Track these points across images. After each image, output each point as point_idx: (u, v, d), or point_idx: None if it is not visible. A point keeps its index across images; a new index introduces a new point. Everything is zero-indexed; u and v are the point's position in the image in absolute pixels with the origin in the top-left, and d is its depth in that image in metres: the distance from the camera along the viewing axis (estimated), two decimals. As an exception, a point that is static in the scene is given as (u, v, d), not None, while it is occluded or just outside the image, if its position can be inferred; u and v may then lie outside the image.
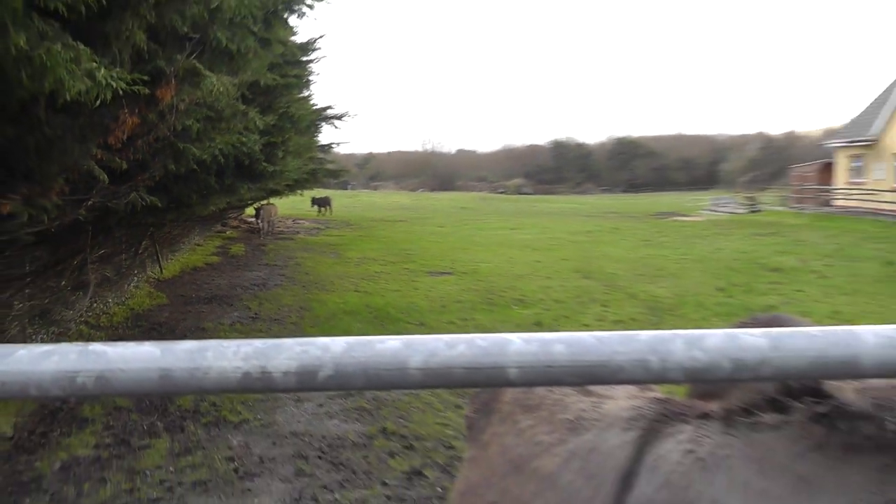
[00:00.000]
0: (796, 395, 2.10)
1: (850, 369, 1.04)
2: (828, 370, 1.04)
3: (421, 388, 1.46)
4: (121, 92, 4.09)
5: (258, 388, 1.04)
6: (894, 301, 16.33)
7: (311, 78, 18.20)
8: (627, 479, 2.34)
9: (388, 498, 7.24)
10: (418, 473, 7.84)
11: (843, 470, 1.91)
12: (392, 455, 8.39)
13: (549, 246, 30.42)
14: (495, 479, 2.94)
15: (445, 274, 21.17)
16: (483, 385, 1.07)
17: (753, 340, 1.03)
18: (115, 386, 1.04)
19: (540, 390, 3.20)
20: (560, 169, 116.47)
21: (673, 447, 2.27)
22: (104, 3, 3.83)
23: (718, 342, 1.02)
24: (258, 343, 1.07)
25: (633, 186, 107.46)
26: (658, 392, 2.80)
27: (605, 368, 1.01)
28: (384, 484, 7.55)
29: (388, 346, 1.06)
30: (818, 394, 2.05)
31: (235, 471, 7.63)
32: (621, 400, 2.89)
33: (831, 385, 2.06)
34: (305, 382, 1.04)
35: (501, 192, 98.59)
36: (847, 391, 2.05)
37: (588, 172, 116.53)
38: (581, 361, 1.03)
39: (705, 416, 2.32)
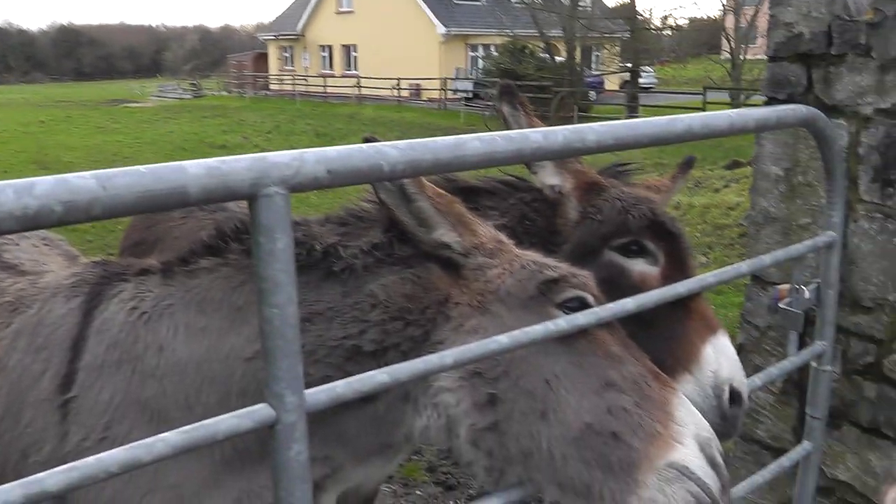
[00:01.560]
0: (230, 236, 2.13)
1: (180, 199, 1.06)
2: (157, 202, 1.04)
3: None
4: None
5: None
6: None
7: None
8: (76, 346, 2.20)
9: None
10: None
11: None
12: None
13: (3, 139, 27.24)
14: None
15: None
16: None
17: (83, 182, 1.00)
18: None
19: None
20: (4, 57, 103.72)
21: (117, 307, 2.17)
22: None
23: (48, 188, 0.97)
24: None
25: (82, 75, 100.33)
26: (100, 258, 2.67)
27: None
28: None
29: None
30: (247, 230, 2.09)
31: None
32: (60, 271, 2.70)
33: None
34: None
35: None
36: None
37: (34, 61, 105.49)
38: None
39: (145, 271, 2.26)
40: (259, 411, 1.14)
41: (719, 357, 2.23)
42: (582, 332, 1.74)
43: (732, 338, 6.92)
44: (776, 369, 2.55)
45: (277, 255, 1.10)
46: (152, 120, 35.65)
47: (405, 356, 1.81)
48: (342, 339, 1.86)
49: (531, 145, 1.43)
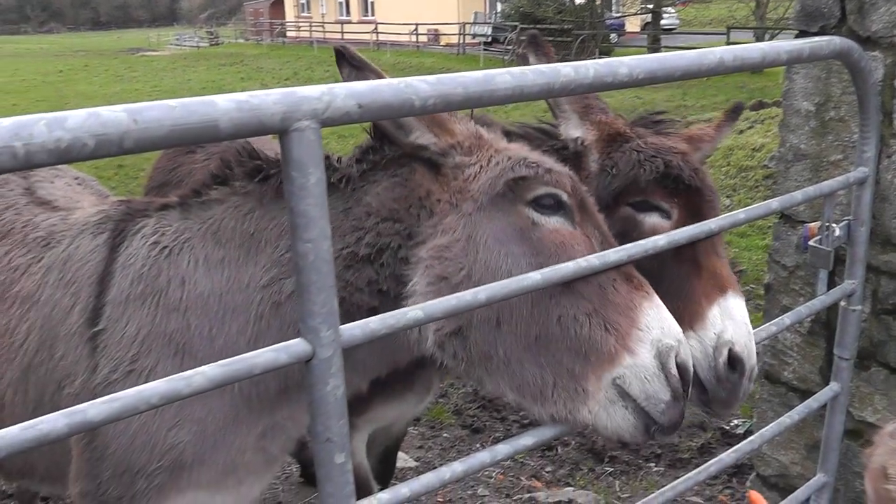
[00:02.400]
0: (234, 164, 2.15)
1: (211, 132, 1.05)
2: (188, 136, 1.04)
3: None
4: None
5: None
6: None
7: None
8: (103, 281, 2.26)
9: None
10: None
11: (278, 217, 2.02)
12: None
13: (23, 88, 27.32)
14: None
15: None
16: None
17: (114, 116, 0.99)
18: None
19: (8, 216, 2.93)
20: (22, 8, 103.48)
21: (140, 242, 2.22)
22: None
23: (80, 121, 0.97)
24: None
25: (99, 24, 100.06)
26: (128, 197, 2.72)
27: (-36, 158, 0.91)
28: None
29: None
30: (252, 156, 2.11)
31: None
32: (88, 208, 2.75)
33: (262, 152, 2.15)
34: None
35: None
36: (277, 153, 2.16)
37: (51, 11, 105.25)
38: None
39: (165, 207, 2.30)
40: (295, 346, 1.14)
41: (725, 319, 2.17)
42: (550, 233, 1.74)
43: (758, 280, 6.87)
44: (805, 309, 2.52)
45: (310, 190, 1.09)
46: (170, 68, 35.56)
47: (395, 255, 1.88)
48: (341, 249, 1.91)
49: (561, 79, 1.40)
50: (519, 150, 1.93)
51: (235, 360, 1.11)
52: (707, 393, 2.19)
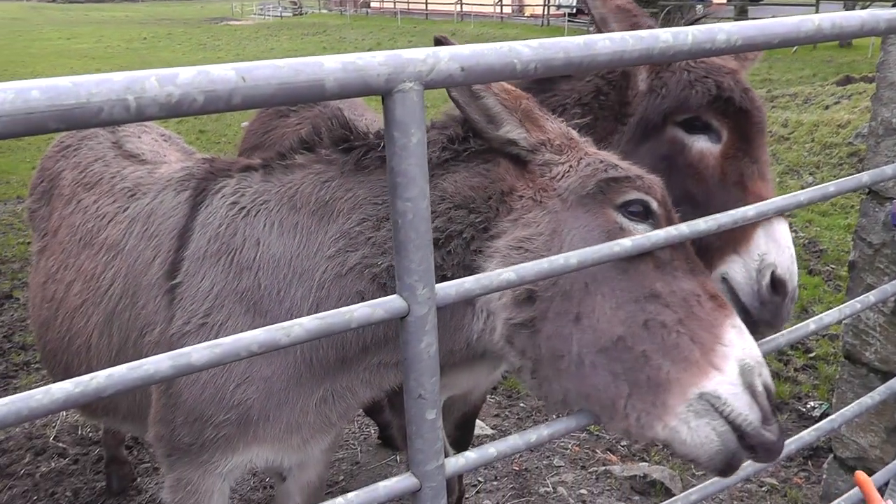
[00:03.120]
0: (324, 132, 2.18)
1: (317, 92, 1.07)
2: (294, 95, 1.06)
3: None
4: None
5: None
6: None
7: None
8: (183, 237, 2.34)
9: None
10: (8, 297, 7.31)
11: (355, 189, 2.05)
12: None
13: (108, 55, 28.08)
14: (70, 260, 2.82)
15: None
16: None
17: (223, 73, 1.02)
18: None
19: (97, 167, 3.06)
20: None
21: (220, 202, 2.29)
22: None
23: (190, 78, 1.00)
24: None
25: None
26: (214, 155, 2.81)
27: (85, 110, 0.94)
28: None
29: None
30: (343, 125, 2.14)
31: None
32: (174, 164, 2.86)
33: (353, 123, 2.18)
34: None
35: (52, 2, 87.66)
36: (367, 126, 2.20)
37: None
38: (60, 106, 0.95)
39: (247, 168, 2.36)
40: (391, 302, 1.16)
41: (769, 242, 2.14)
42: None
43: (838, 261, 6.68)
44: (890, 287, 2.45)
45: (412, 150, 1.11)
46: (253, 38, 36.05)
47: (467, 245, 1.87)
48: None
49: (660, 45, 1.38)
50: (610, 155, 1.91)
51: (332, 313, 1.13)
52: (751, 315, 2.18)
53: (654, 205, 1.77)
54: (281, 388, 2.17)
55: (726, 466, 1.56)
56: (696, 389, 1.53)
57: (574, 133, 1.96)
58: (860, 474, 1.75)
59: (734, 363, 1.56)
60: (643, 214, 1.75)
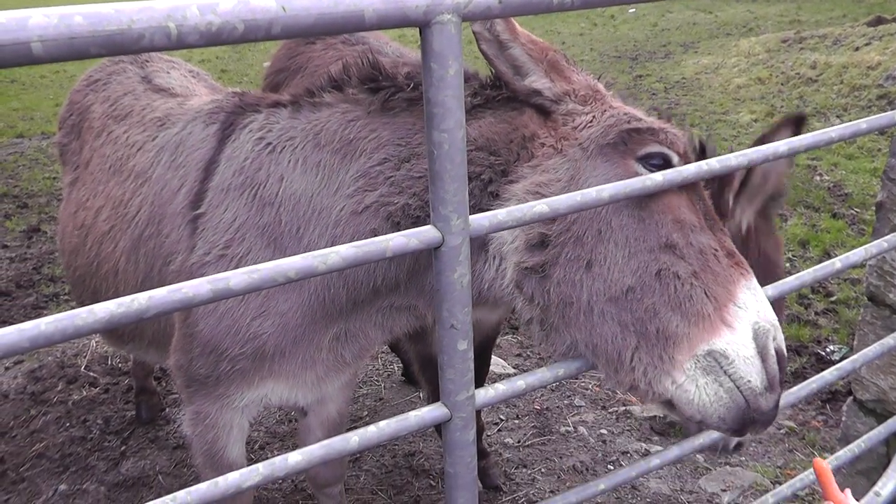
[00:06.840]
0: (355, 71, 2.17)
1: (356, 23, 1.07)
2: (334, 25, 1.05)
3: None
4: None
5: None
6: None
7: None
8: (209, 168, 2.36)
9: (11, 260, 6.76)
10: (36, 230, 7.36)
11: (379, 130, 2.05)
12: (8, 216, 7.71)
13: None
14: (100, 187, 2.85)
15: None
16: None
17: (264, 3, 1.01)
18: None
19: (127, 100, 3.07)
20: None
21: (247, 136, 2.30)
22: None
23: (231, 6, 1.00)
24: None
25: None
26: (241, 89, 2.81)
27: (126, 36, 0.95)
28: (4, 247, 7.00)
29: None
30: (372, 65, 2.13)
31: None
32: (204, 97, 2.86)
33: (383, 64, 2.18)
34: None
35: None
36: (396, 67, 2.19)
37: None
38: (102, 32, 0.95)
39: (276, 104, 2.36)
40: (426, 233, 1.17)
41: None
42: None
43: (863, 205, 6.56)
44: (919, 228, 2.43)
45: (449, 82, 1.11)
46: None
47: (485, 187, 1.88)
48: (425, 170, 1.89)
49: None
50: (635, 110, 1.90)
51: (369, 241, 1.15)
52: None
53: (676, 159, 1.75)
54: (296, 324, 2.20)
55: (739, 426, 1.54)
56: (706, 346, 1.52)
57: (600, 86, 1.96)
58: (818, 461, 1.72)
59: (746, 324, 1.54)
60: (663, 168, 1.72)
